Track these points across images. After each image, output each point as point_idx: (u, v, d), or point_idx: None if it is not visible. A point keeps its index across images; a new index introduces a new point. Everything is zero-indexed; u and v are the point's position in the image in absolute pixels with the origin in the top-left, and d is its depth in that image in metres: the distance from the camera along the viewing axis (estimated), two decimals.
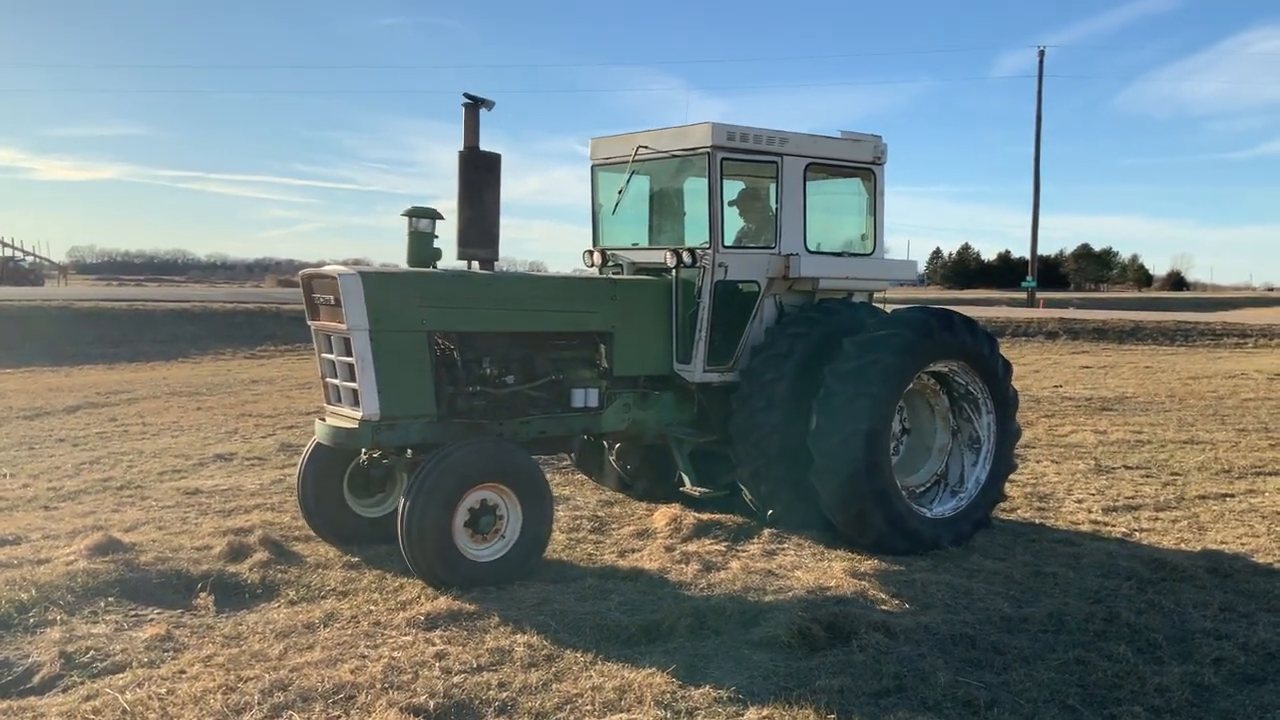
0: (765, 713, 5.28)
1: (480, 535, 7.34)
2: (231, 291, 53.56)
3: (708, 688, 5.54)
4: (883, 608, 6.95)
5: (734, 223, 9.25)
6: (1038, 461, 12.63)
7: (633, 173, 9.31)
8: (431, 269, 8.07)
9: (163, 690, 5.46)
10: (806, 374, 8.33)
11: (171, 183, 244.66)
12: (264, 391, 19.68)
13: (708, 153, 8.46)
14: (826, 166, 9.17)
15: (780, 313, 9.00)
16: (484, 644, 6.15)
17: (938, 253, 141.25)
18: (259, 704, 5.26)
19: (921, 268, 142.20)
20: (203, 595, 7.16)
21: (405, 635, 6.31)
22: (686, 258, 8.61)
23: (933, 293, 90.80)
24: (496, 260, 8.35)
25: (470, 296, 7.96)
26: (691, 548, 8.36)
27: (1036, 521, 9.65)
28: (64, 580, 7.14)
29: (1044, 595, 7.31)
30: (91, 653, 6.05)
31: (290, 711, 5.18)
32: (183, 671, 5.76)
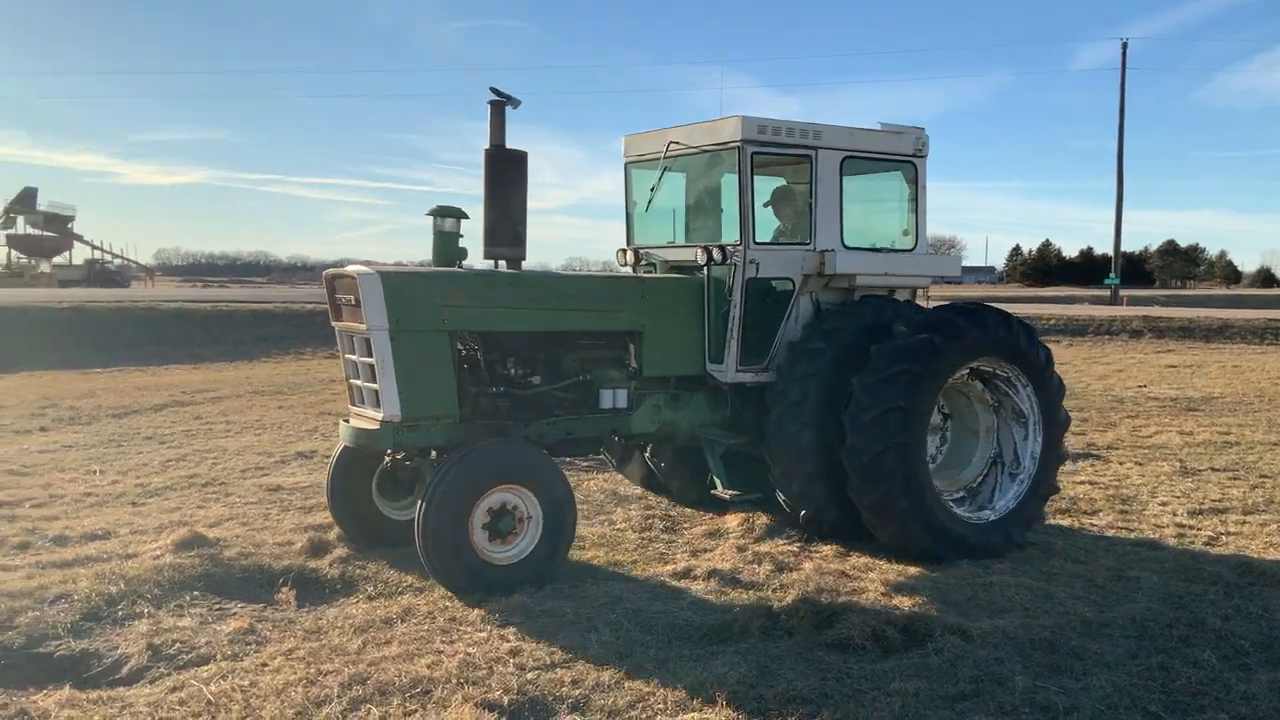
0: (838, 715, 5.24)
1: (500, 538, 7.22)
2: (311, 292, 54.51)
3: (780, 688, 5.52)
4: (959, 610, 6.85)
5: (770, 219, 9.07)
6: (1121, 463, 12.35)
7: (665, 169, 9.15)
8: (455, 268, 7.99)
9: (245, 683, 5.60)
10: (841, 371, 8.10)
11: (253, 185, 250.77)
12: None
13: (738, 147, 8.29)
14: (865, 160, 8.90)
15: (817, 311, 8.76)
16: (557, 641, 6.20)
17: (1017, 250, 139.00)
18: (338, 697, 5.36)
19: (1000, 265, 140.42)
20: (284, 590, 7.31)
21: (480, 631, 6.39)
22: (717, 255, 8.43)
23: (1012, 290, 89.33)
24: (523, 259, 8.22)
25: (493, 296, 7.86)
26: (764, 548, 8.33)
27: (1119, 525, 9.44)
28: (151, 574, 7.34)
29: (1126, 600, 7.15)
30: (177, 645, 6.23)
31: (369, 705, 5.27)
32: (265, 664, 5.90)
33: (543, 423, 8.02)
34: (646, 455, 10.02)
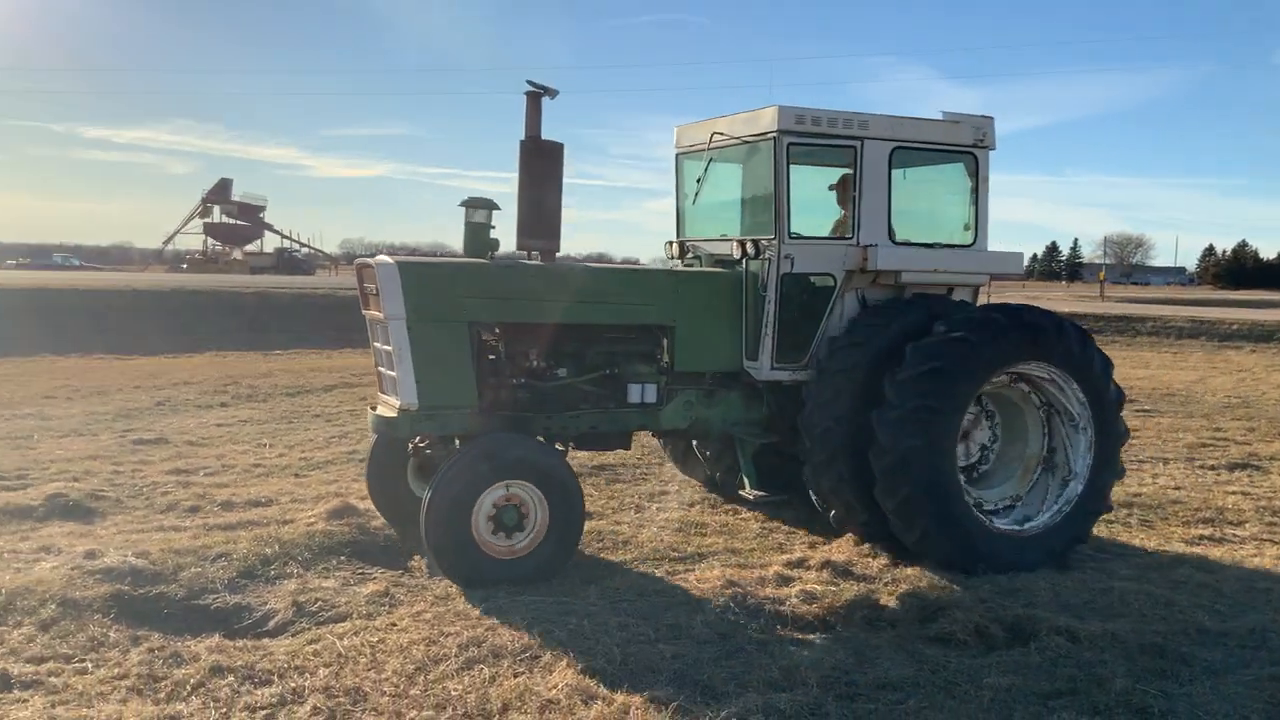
0: (925, 704, 5.36)
1: (505, 532, 7.21)
2: None
3: (873, 676, 5.67)
4: (1072, 613, 6.80)
5: (834, 209, 8.85)
6: None
7: (710, 160, 9.00)
8: (485, 259, 7.89)
9: (374, 639, 6.08)
10: (877, 370, 7.81)
11: (432, 179, 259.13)
12: None
13: (774, 137, 8.06)
14: (917, 151, 8.56)
15: (863, 308, 8.45)
16: (663, 619, 6.48)
17: (1210, 250, 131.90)
18: (455, 656, 5.78)
19: (1192, 266, 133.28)
20: (419, 559, 7.81)
21: (592, 606, 6.72)
22: (751, 249, 8.25)
23: (1202, 292, 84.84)
24: (557, 250, 8.11)
25: (517, 288, 7.80)
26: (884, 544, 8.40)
27: (1264, 536, 9.11)
28: (304, 539, 7.97)
29: (1251, 610, 6.96)
30: (319, 603, 6.78)
31: (481, 665, 5.67)
32: (394, 624, 6.38)
33: (566, 415, 7.97)
34: (698, 451, 9.99)
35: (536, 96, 7.77)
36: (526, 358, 7.98)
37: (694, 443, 9.95)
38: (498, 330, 7.91)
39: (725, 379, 8.59)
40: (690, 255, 9.28)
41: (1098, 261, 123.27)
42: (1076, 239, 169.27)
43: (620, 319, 8.22)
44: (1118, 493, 10.40)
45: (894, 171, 8.47)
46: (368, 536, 8.25)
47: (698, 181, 9.22)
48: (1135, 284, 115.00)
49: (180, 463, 11.29)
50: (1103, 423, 8.17)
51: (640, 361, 8.32)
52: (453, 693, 5.35)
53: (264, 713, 5.14)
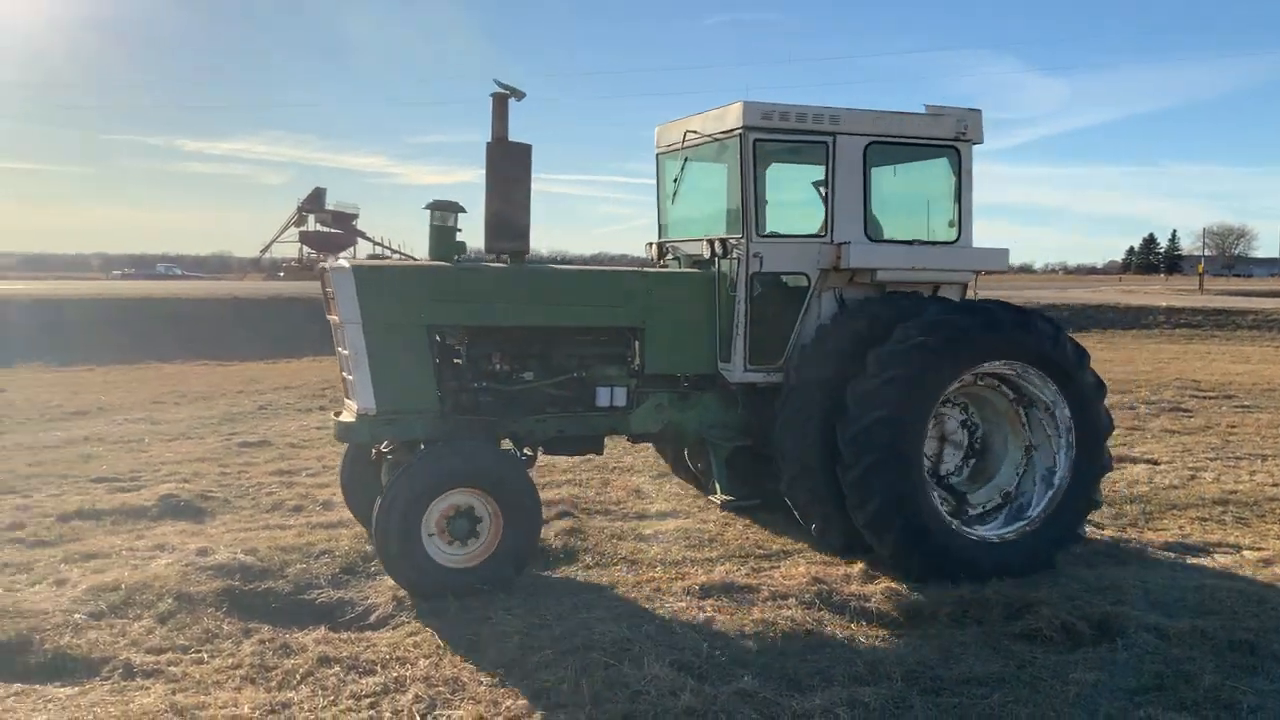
0: (1010, 698, 5.42)
1: (456, 540, 7.10)
2: None
3: (958, 671, 5.74)
4: (1162, 610, 6.77)
5: (821, 207, 8.44)
6: None
7: (686, 159, 8.86)
8: (445, 262, 7.77)
9: (471, 632, 6.32)
10: (845, 375, 7.58)
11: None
12: None
13: (739, 134, 7.87)
14: (895, 146, 8.29)
15: (841, 307, 8.17)
16: (750, 615, 6.63)
17: None
18: (548, 648, 5.98)
19: None
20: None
21: (680, 602, 6.89)
22: (719, 248, 8.06)
23: None
24: (526, 252, 7.96)
25: (478, 290, 7.67)
26: None
27: None
28: None
29: None
30: (417, 598, 7.05)
31: (573, 656, 5.86)
32: (489, 617, 6.60)
33: (532, 419, 7.83)
34: (696, 461, 9.76)
35: (503, 98, 7.69)
36: (490, 361, 7.85)
37: (685, 450, 9.79)
38: (460, 333, 7.79)
39: (701, 381, 8.40)
40: (670, 256, 9.15)
41: (1196, 254, 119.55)
42: (1175, 230, 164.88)
43: (587, 321, 8.03)
44: (1211, 489, 10.31)
45: (879, 167, 8.34)
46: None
47: (674, 181, 9.11)
48: (1237, 276, 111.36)
49: (283, 464, 11.75)
50: (1082, 416, 7.86)
51: (609, 364, 8.13)
52: (547, 683, 5.55)
53: (369, 700, 5.40)
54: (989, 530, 7.83)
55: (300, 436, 13.75)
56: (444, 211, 7.77)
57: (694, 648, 6.00)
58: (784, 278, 8.22)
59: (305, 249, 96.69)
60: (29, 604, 6.65)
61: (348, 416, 7.56)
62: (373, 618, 6.84)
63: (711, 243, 8.15)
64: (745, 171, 7.88)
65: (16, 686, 5.55)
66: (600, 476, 10.84)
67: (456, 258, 7.83)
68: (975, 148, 8.47)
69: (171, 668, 5.83)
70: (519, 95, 7.73)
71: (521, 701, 5.36)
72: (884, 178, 8.46)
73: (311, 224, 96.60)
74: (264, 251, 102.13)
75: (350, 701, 5.39)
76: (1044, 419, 7.96)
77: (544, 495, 9.80)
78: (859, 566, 7.63)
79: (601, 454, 8.57)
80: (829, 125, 8.01)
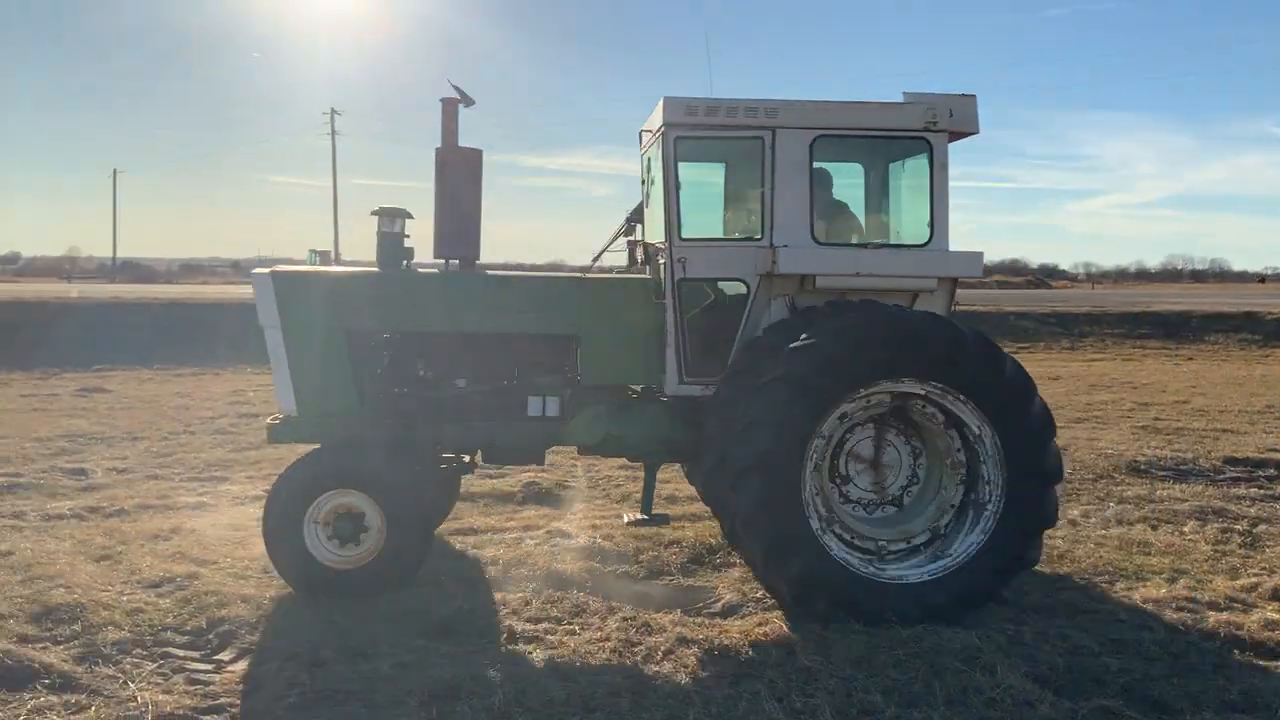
0: None
1: (340, 541, 7.03)
2: None
3: None
4: None
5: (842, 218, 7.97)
6: None
7: (648, 159, 8.15)
8: (363, 268, 7.76)
9: (820, 628, 6.50)
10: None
11: None
12: None
13: (662, 132, 7.33)
14: (850, 139, 7.61)
15: (791, 315, 7.43)
16: (1106, 633, 6.44)
17: None
18: (897, 648, 6.08)
19: None
20: None
21: (1031, 616, 6.79)
22: (641, 254, 7.65)
23: None
24: (476, 259, 7.87)
25: (402, 296, 7.62)
26: None
27: None
28: None
29: None
30: (761, 592, 7.32)
31: (922, 659, 5.93)
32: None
33: (458, 426, 7.65)
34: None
35: (453, 103, 7.60)
36: (415, 366, 7.79)
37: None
38: (384, 338, 7.76)
39: (647, 393, 7.97)
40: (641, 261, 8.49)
41: None
42: None
43: (518, 328, 7.74)
44: None
45: (843, 164, 7.84)
46: None
47: (641, 183, 8.54)
48: None
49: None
50: (1015, 454, 6.82)
51: (541, 373, 7.89)
52: (897, 681, 5.66)
53: (726, 681, 5.71)
54: (908, 570, 6.94)
55: None
56: (391, 217, 7.64)
57: (1048, 662, 5.92)
58: (718, 284, 7.75)
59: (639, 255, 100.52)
60: (426, 575, 7.38)
61: (276, 417, 7.69)
62: (719, 606, 7.16)
63: (645, 247, 7.84)
64: (667, 171, 7.39)
65: (420, 642, 6.27)
66: None
67: (406, 264, 7.77)
68: (972, 139, 7.64)
69: (549, 636, 6.41)
70: (469, 102, 7.62)
71: (874, 696, 5.48)
72: (850, 175, 7.94)
73: (639, 234, 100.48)
74: (595, 260, 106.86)
75: (711, 680, 5.72)
76: (974, 452, 6.99)
77: None
78: (1225, 592, 7.21)
79: (542, 464, 8.09)
80: (765, 119, 7.34)
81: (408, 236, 7.76)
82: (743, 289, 7.50)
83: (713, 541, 8.36)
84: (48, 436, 13.52)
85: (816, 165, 7.52)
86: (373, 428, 7.45)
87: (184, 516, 9.27)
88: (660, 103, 7.39)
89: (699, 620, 6.78)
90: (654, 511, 8.07)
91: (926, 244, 7.51)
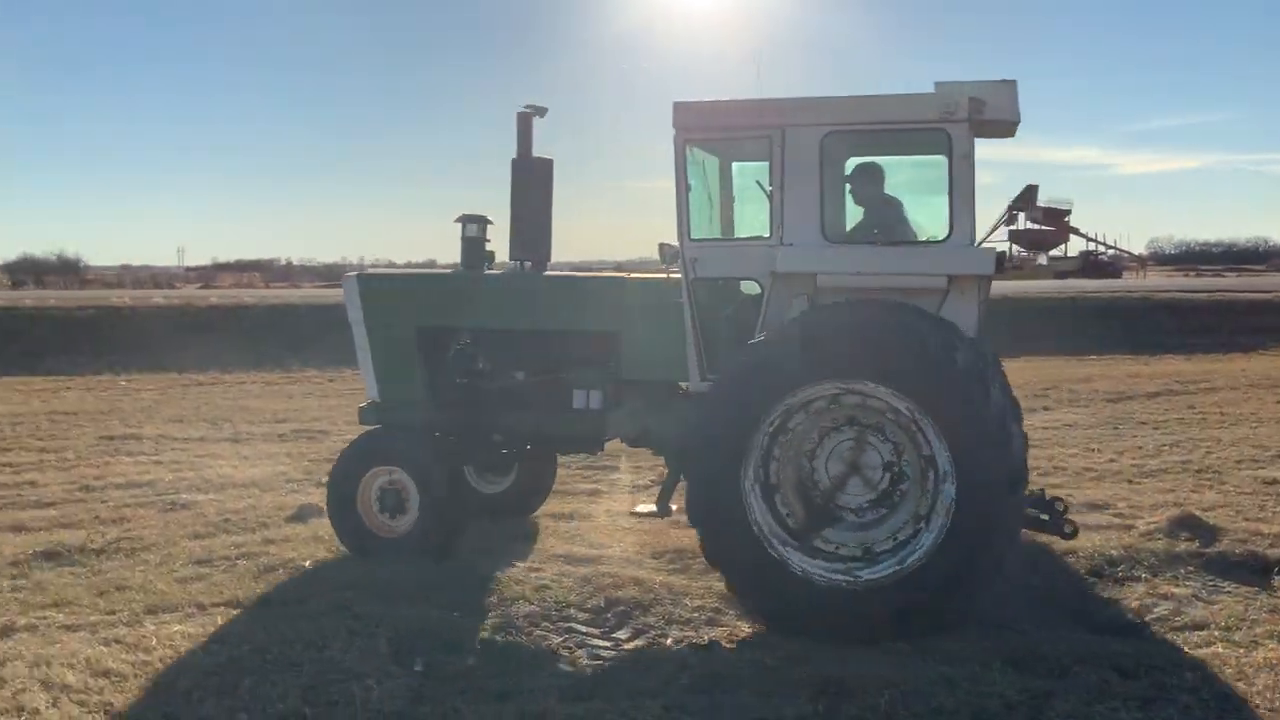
0: None
1: (388, 513, 7.92)
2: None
3: None
4: None
5: (852, 212, 7.71)
6: None
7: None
8: (434, 270, 8.18)
9: (1238, 653, 6.01)
10: None
11: (1257, 167, 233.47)
12: None
13: (673, 135, 7.40)
14: (866, 134, 7.38)
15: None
16: None
17: None
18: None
19: None
20: (1278, 578, 7.40)
21: None
22: (658, 254, 7.84)
23: None
24: (548, 261, 8.57)
25: (466, 295, 8.38)
26: None
27: None
28: (1145, 545, 8.06)
29: None
30: (1166, 609, 6.85)
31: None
32: (1255, 642, 6.23)
33: (512, 416, 8.28)
34: None
35: (527, 118, 8.21)
36: (475, 360, 8.36)
37: None
38: (450, 334, 8.41)
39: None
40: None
41: None
42: None
43: (568, 325, 8.27)
44: None
45: (858, 159, 7.67)
46: (1214, 550, 8.00)
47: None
48: None
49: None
50: (966, 468, 6.38)
51: (586, 367, 8.24)
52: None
53: (1135, 703, 5.37)
54: (873, 574, 6.60)
55: (1031, 436, 13.78)
56: (473, 224, 8.44)
57: None
58: (733, 283, 7.78)
59: (1015, 248, 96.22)
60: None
61: (364, 402, 8.68)
62: (1120, 623, 6.74)
63: (661, 248, 7.96)
64: (678, 174, 7.50)
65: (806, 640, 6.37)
66: None
67: (488, 266, 8.59)
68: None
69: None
70: (542, 112, 8.29)
71: None
72: (870, 171, 7.72)
73: (1021, 222, 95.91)
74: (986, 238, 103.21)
75: (1117, 704, 5.37)
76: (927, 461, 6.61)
77: None
78: None
79: (594, 454, 9.07)
80: (774, 119, 7.23)
81: (489, 241, 8.62)
82: (756, 288, 7.58)
83: (1113, 554, 7.85)
84: None
85: (867, 160, 7.70)
86: (437, 414, 8.38)
87: (580, 502, 9.95)
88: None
89: (1099, 639, 6.40)
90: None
91: (946, 239, 7.29)
